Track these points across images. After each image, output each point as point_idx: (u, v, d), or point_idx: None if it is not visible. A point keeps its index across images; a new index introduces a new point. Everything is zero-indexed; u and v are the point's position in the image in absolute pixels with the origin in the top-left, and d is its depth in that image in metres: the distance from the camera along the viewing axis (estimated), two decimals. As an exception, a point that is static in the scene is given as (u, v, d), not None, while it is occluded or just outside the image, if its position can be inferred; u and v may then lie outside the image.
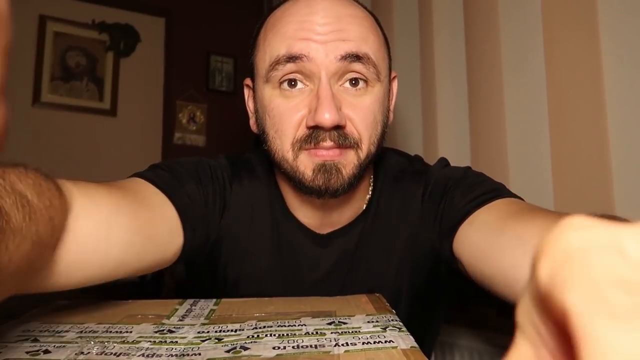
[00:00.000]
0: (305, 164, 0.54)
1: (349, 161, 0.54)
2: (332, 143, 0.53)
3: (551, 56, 1.21)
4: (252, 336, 0.37)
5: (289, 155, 0.55)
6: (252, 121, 0.62)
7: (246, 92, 0.64)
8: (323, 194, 0.55)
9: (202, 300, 0.51)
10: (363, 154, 0.55)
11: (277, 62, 0.53)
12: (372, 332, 0.38)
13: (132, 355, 0.34)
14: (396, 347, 0.35)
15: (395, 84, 0.66)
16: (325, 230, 0.62)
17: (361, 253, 0.63)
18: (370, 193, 0.65)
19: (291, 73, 0.53)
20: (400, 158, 0.71)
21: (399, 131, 1.73)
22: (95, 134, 2.25)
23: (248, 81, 0.63)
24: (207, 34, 2.53)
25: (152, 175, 0.55)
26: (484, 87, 1.39)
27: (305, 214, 0.62)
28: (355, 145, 0.54)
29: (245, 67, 0.64)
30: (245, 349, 0.34)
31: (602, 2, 1.13)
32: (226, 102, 2.51)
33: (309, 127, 0.53)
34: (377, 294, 0.54)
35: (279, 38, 0.53)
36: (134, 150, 2.34)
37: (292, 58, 0.52)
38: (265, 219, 0.63)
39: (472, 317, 1.21)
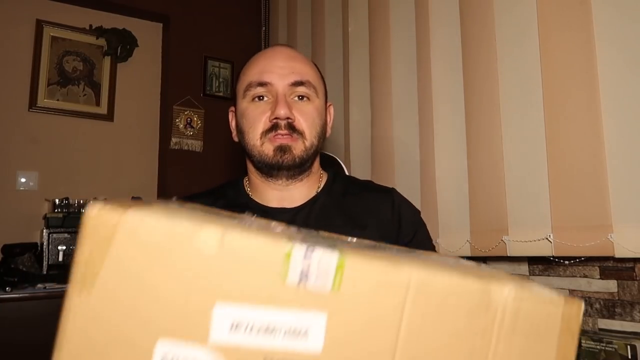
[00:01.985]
0: (268, 147, 0.79)
1: (298, 146, 0.80)
2: (286, 131, 0.79)
3: (547, 61, 1.22)
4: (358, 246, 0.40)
5: (258, 142, 0.80)
6: (234, 134, 0.88)
7: (230, 115, 0.89)
8: (281, 167, 0.80)
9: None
10: (307, 142, 0.81)
11: (250, 86, 0.81)
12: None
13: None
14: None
15: (331, 110, 0.92)
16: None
17: (314, 223, 0.81)
18: (321, 186, 0.88)
19: (260, 92, 0.81)
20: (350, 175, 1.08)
21: (398, 133, 1.73)
22: (92, 139, 2.25)
23: (232, 108, 0.89)
24: (205, 39, 2.54)
25: None
26: (479, 91, 1.39)
27: (268, 197, 0.85)
28: (301, 135, 0.80)
29: (237, 76, 0.88)
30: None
31: (596, 6, 1.13)
32: (223, 108, 2.51)
33: (270, 121, 0.79)
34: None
35: (253, 71, 0.82)
36: (130, 155, 2.34)
37: (261, 84, 0.80)
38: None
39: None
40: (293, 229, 0.40)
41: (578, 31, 1.15)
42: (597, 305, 1.18)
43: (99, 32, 2.27)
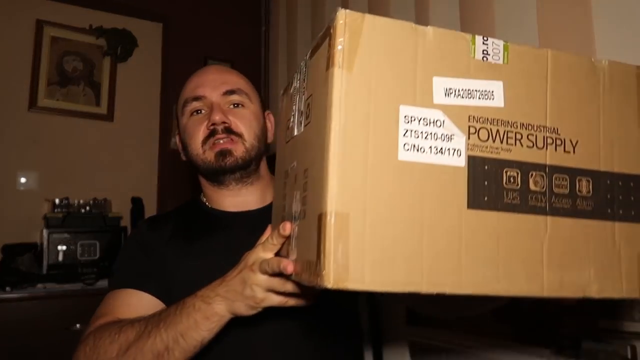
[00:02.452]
0: (210, 154, 0.82)
1: (238, 148, 0.82)
2: (224, 135, 0.81)
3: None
4: None
5: (200, 151, 0.83)
6: (182, 155, 0.90)
7: (177, 139, 0.92)
8: (224, 171, 0.82)
9: None
10: (247, 143, 0.83)
11: (187, 102, 0.85)
12: None
13: None
14: None
15: (271, 118, 0.94)
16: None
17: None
18: None
19: (196, 107, 0.85)
20: None
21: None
22: (92, 139, 2.25)
23: (177, 132, 0.91)
24: (205, 39, 2.54)
25: (125, 279, 0.80)
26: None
27: (224, 204, 0.87)
28: (240, 136, 0.83)
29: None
30: None
31: (596, 8, 1.14)
32: (223, 107, 2.51)
33: (208, 129, 0.82)
34: None
35: (188, 89, 0.87)
36: (130, 155, 2.34)
37: (196, 98, 0.84)
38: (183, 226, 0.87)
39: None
40: None
41: (578, 31, 1.15)
42: (597, 305, 1.18)
43: (99, 32, 2.27)
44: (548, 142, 0.48)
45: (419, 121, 0.44)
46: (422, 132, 0.44)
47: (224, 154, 0.81)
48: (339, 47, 0.42)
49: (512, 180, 0.46)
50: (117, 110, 2.32)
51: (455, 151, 0.44)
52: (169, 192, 2.33)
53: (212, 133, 0.82)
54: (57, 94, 2.19)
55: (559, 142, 0.48)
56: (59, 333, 1.54)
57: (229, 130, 0.82)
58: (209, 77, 0.86)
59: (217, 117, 0.80)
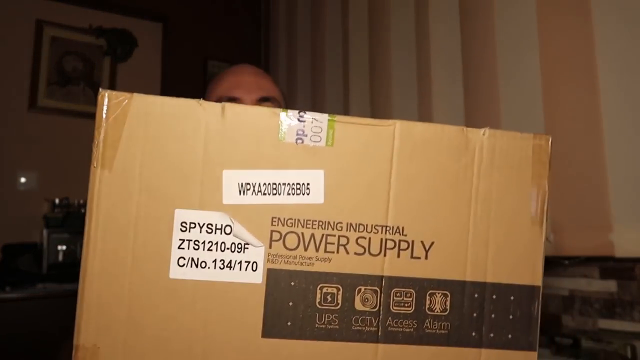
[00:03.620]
0: None
1: None
2: None
3: (546, 61, 1.22)
4: None
5: None
6: None
7: None
8: None
9: None
10: None
11: (220, 100, 0.80)
12: None
13: None
14: None
15: None
16: None
17: None
18: None
19: None
20: None
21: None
22: (91, 139, 2.24)
23: None
24: (204, 39, 2.54)
25: None
26: (479, 92, 1.39)
27: None
28: None
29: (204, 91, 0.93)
30: None
31: (596, 6, 1.13)
32: (223, 107, 2.51)
33: None
34: None
35: (222, 87, 0.86)
36: (130, 155, 2.34)
37: (230, 99, 0.82)
38: None
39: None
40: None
41: (578, 31, 1.15)
42: (597, 305, 1.18)
43: (99, 32, 2.27)
44: (387, 246, 0.36)
45: (201, 228, 0.34)
46: (204, 242, 0.34)
47: None
48: (98, 140, 0.35)
49: (329, 298, 0.36)
50: (117, 110, 2.32)
51: (250, 264, 0.35)
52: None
53: None
54: (57, 94, 2.19)
55: (404, 245, 0.36)
56: (59, 333, 1.54)
57: None
58: (246, 79, 0.86)
59: None
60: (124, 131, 0.34)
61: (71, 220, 1.96)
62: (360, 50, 1.89)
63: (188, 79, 2.48)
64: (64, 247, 1.88)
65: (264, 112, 0.36)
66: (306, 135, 0.36)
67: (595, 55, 1.12)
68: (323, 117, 0.36)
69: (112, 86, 2.31)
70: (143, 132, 0.34)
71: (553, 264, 1.27)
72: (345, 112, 1.91)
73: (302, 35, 2.31)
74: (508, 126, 1.31)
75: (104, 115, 0.34)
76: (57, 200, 2.00)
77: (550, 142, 0.38)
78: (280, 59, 2.49)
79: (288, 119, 0.36)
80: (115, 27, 2.31)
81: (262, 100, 0.84)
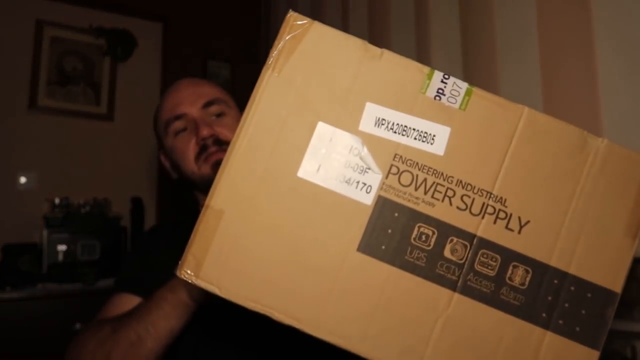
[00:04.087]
0: (205, 168, 0.81)
1: None
2: (215, 147, 0.81)
3: (546, 61, 1.22)
4: None
5: (195, 168, 0.82)
6: (172, 175, 0.92)
7: (163, 159, 0.93)
8: None
9: None
10: None
11: (168, 122, 0.84)
12: None
13: None
14: None
15: None
16: None
17: None
18: None
19: (179, 126, 0.84)
20: None
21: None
22: (91, 139, 2.25)
23: (160, 152, 0.92)
24: (204, 39, 2.54)
25: (122, 285, 0.82)
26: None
27: None
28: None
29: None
30: None
31: (596, 6, 1.13)
32: (223, 107, 2.51)
33: (198, 145, 0.81)
34: None
35: (166, 110, 0.86)
36: (130, 154, 2.34)
37: (177, 117, 0.84)
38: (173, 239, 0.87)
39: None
40: None
41: (578, 31, 1.15)
42: (597, 305, 1.18)
43: (99, 32, 2.27)
44: (488, 210, 0.39)
45: (335, 143, 0.39)
46: (334, 156, 0.39)
47: (220, 163, 0.81)
48: (276, 49, 0.40)
49: (423, 238, 0.39)
50: (117, 110, 2.32)
51: (365, 186, 0.39)
52: (169, 192, 2.33)
53: (203, 148, 0.82)
54: (57, 94, 2.19)
55: (502, 214, 0.39)
56: (59, 333, 1.54)
57: (219, 142, 0.82)
58: (184, 94, 0.86)
59: (206, 132, 0.80)
60: (297, 47, 0.40)
61: (71, 220, 1.96)
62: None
63: (162, 98, 2.48)
64: (64, 247, 1.88)
65: (413, 65, 0.40)
66: (444, 95, 0.40)
67: (595, 54, 1.12)
68: (463, 84, 0.40)
69: (112, 86, 2.31)
70: (312, 53, 0.40)
71: (553, 264, 1.27)
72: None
73: (302, 35, 2.31)
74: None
75: (286, 31, 0.40)
76: (57, 200, 2.00)
77: None
78: (280, 59, 2.49)
79: (434, 75, 0.40)
80: (115, 27, 2.31)
81: (207, 105, 0.84)
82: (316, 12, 2.21)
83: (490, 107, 0.40)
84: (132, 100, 2.36)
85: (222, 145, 0.82)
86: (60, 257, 1.87)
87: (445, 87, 0.40)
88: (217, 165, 0.78)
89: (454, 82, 0.40)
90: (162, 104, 0.88)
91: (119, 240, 2.01)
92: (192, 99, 0.85)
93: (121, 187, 2.24)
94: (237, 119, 0.85)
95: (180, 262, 0.39)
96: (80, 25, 2.26)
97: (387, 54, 0.40)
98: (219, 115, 0.85)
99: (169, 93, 0.89)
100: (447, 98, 0.40)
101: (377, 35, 1.79)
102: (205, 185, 0.82)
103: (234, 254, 0.39)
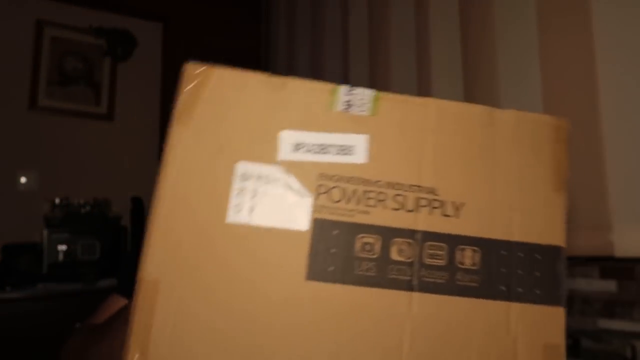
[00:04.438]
0: None
1: None
2: None
3: (546, 60, 1.22)
4: None
5: None
6: None
7: None
8: None
9: None
10: None
11: None
12: None
13: None
14: None
15: None
16: None
17: None
18: None
19: None
20: None
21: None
22: (91, 139, 2.25)
23: None
24: (204, 39, 2.54)
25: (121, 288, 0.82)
26: (479, 92, 1.39)
27: None
28: None
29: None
30: None
31: (595, 8, 1.14)
32: (223, 107, 2.51)
33: None
34: None
35: None
36: (130, 155, 2.34)
37: None
38: None
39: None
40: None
41: (578, 31, 1.15)
42: (597, 305, 1.18)
43: (99, 32, 2.27)
44: (421, 204, 0.40)
45: (258, 179, 0.39)
46: (259, 191, 0.39)
47: None
48: (180, 103, 0.41)
49: (367, 248, 0.39)
50: (117, 110, 2.32)
51: (298, 213, 0.39)
52: (169, 192, 2.33)
53: None
54: (57, 94, 2.19)
55: (436, 204, 0.40)
56: (59, 333, 1.54)
57: None
58: None
59: None
60: (201, 96, 0.41)
61: (71, 220, 1.96)
62: (360, 50, 1.89)
63: None
64: (64, 247, 1.88)
65: (317, 86, 0.41)
66: (353, 106, 0.41)
67: (595, 55, 1.12)
68: (369, 92, 0.41)
69: (112, 86, 2.31)
70: (217, 98, 0.40)
71: (553, 264, 1.27)
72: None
73: (303, 35, 2.31)
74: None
75: (188, 81, 0.41)
76: (57, 200, 2.00)
77: (568, 125, 0.43)
78: (280, 59, 2.49)
79: (340, 90, 0.41)
80: (115, 27, 2.31)
81: None
82: (316, 12, 2.21)
83: (400, 107, 0.41)
84: (132, 100, 2.36)
85: None
86: (60, 257, 1.87)
87: (352, 98, 0.41)
88: None
89: (360, 92, 0.41)
90: None
91: (119, 240, 2.01)
92: None
93: (121, 187, 2.24)
94: None
95: (124, 352, 0.36)
96: (80, 25, 2.26)
97: (291, 82, 0.41)
98: None
99: None
100: (357, 107, 0.41)
101: (377, 34, 1.79)
102: None
103: (180, 330, 0.36)
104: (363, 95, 0.41)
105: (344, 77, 1.97)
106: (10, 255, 1.82)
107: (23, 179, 2.10)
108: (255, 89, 0.41)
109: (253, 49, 2.66)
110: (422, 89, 1.58)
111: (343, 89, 0.41)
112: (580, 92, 1.15)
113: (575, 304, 1.23)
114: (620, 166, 1.09)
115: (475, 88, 1.40)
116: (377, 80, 1.77)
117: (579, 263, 1.21)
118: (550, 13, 1.21)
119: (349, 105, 0.41)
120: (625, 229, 1.06)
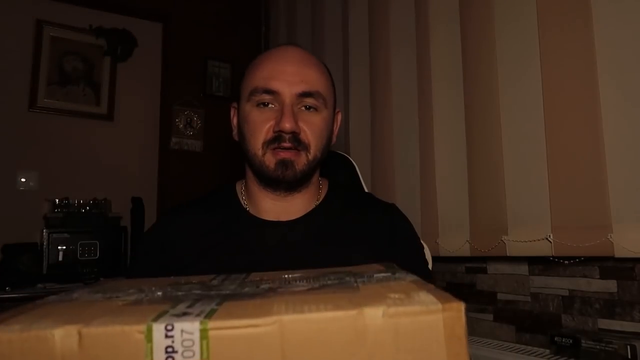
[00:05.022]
0: (270, 160, 0.75)
1: (301, 160, 0.76)
2: (289, 144, 0.74)
3: (547, 60, 1.22)
4: (285, 283, 0.43)
5: (260, 152, 0.76)
6: (234, 132, 0.85)
7: (232, 112, 0.85)
8: (280, 182, 0.77)
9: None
10: (311, 155, 0.77)
11: (256, 91, 0.76)
12: (385, 276, 0.43)
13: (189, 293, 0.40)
14: (405, 279, 0.40)
15: (339, 117, 0.88)
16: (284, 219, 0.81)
17: (309, 240, 0.78)
18: (320, 198, 0.85)
19: (265, 99, 0.76)
20: (348, 181, 1.10)
21: (397, 139, 1.73)
22: (91, 139, 2.25)
23: (234, 104, 0.85)
24: (204, 39, 2.54)
25: None
26: (479, 92, 1.39)
27: (264, 208, 0.81)
28: (306, 149, 0.76)
29: (242, 73, 0.84)
30: (280, 288, 0.40)
31: (596, 6, 1.13)
32: (223, 108, 2.51)
33: (274, 132, 0.74)
34: (391, 263, 0.54)
35: (260, 75, 0.77)
36: (130, 155, 2.34)
37: (267, 91, 0.75)
38: (215, 223, 0.81)
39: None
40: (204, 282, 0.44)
41: (578, 31, 1.15)
42: (597, 305, 1.18)
43: (99, 32, 2.27)
44: None
45: None
46: None
47: (285, 164, 0.75)
48: None
49: None
50: (117, 110, 2.32)
51: None
52: (169, 192, 2.33)
53: (277, 138, 0.74)
54: (57, 94, 2.19)
55: None
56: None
57: (296, 140, 0.75)
58: (288, 69, 0.76)
59: (288, 126, 0.73)
60: None
61: (71, 220, 1.96)
62: (361, 50, 1.89)
63: (188, 79, 2.48)
64: (64, 247, 1.88)
65: (125, 331, 0.31)
66: (177, 352, 0.31)
67: (595, 56, 1.12)
68: (194, 327, 0.31)
69: (112, 86, 2.31)
70: None
71: (553, 264, 1.27)
72: (345, 112, 1.91)
73: (303, 34, 2.31)
74: (509, 126, 1.31)
75: None
76: (57, 200, 2.00)
77: (463, 310, 0.32)
78: (280, 59, 2.49)
79: (155, 333, 0.31)
80: (115, 27, 2.31)
81: (304, 96, 0.75)
82: (316, 13, 2.21)
83: (238, 341, 0.31)
84: (132, 100, 2.36)
85: (298, 145, 0.75)
86: (60, 257, 1.87)
87: (173, 341, 0.31)
88: (281, 166, 0.75)
89: (182, 330, 0.31)
90: (260, 65, 0.78)
91: (119, 240, 2.02)
92: (294, 80, 0.75)
93: (121, 187, 2.24)
94: (327, 122, 0.80)
95: None
96: (80, 25, 2.26)
97: (87, 334, 0.31)
98: (310, 108, 0.77)
99: (273, 57, 0.79)
100: (182, 354, 0.31)
101: (377, 35, 1.79)
102: (261, 173, 0.77)
103: None
104: (186, 335, 0.31)
105: (344, 78, 1.97)
106: (10, 255, 1.82)
107: (23, 179, 2.10)
108: (42, 351, 0.31)
109: (253, 48, 2.66)
110: (422, 89, 1.58)
111: (158, 329, 0.30)
112: (580, 92, 1.15)
113: (575, 304, 1.23)
114: (620, 166, 1.09)
115: (475, 88, 1.40)
116: (377, 81, 1.77)
117: (579, 263, 1.21)
118: (550, 13, 1.21)
119: (171, 352, 0.30)
120: (625, 229, 1.06)
